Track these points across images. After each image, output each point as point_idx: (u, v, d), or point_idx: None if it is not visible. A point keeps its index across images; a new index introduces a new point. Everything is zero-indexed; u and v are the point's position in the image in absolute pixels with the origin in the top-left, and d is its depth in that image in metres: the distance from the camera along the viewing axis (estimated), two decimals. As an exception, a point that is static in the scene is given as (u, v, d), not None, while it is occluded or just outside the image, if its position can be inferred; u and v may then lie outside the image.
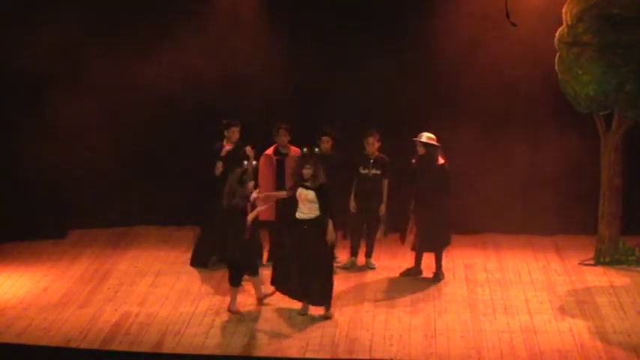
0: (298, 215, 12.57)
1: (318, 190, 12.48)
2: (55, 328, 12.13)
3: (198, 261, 14.28)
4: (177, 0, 15.51)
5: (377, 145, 14.12)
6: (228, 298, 13.02)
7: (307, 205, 12.50)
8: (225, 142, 14.16)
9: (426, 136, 13.68)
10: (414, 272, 13.83)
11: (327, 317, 12.43)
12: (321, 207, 12.46)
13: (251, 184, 12.77)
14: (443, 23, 15.16)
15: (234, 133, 14.11)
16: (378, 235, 14.28)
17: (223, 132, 14.15)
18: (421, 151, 13.69)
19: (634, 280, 13.83)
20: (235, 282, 12.67)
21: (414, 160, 13.81)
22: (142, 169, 15.89)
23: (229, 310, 12.57)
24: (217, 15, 15.48)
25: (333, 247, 12.88)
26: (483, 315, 12.55)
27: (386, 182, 14.15)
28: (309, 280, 12.42)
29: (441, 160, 13.55)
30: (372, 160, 14.13)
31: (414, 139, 13.76)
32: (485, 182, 15.26)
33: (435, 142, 13.63)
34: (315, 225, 12.46)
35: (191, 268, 14.23)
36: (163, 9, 15.47)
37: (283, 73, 15.49)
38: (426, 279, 13.73)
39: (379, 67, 15.36)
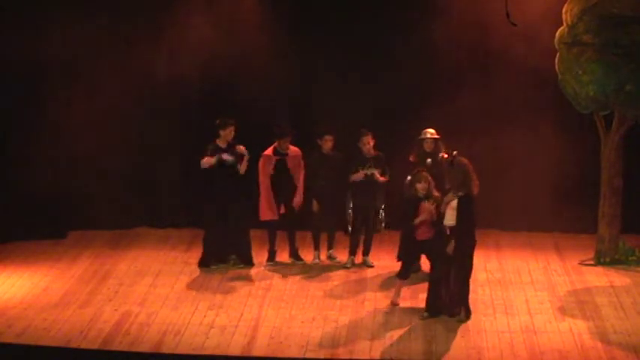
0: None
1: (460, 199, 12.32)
2: (55, 328, 12.13)
3: (206, 262, 14.27)
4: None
5: (372, 143, 14.14)
6: (228, 298, 13.04)
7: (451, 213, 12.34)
8: (218, 141, 14.14)
9: (430, 132, 13.81)
10: (414, 269, 13.81)
11: (461, 321, 12.32)
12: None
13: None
14: (443, 22, 15.16)
15: (230, 132, 14.09)
16: (379, 228, 14.29)
17: (218, 131, 14.13)
18: (429, 147, 13.77)
19: (634, 280, 13.82)
20: (405, 275, 12.81)
21: (411, 158, 13.87)
22: (143, 169, 15.90)
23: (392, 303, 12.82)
24: (219, 10, 15.50)
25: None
26: (483, 315, 12.54)
27: (385, 178, 14.17)
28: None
29: (445, 155, 13.58)
30: (370, 160, 14.15)
31: (421, 137, 13.84)
32: (485, 182, 15.23)
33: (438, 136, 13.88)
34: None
35: (191, 268, 14.22)
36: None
37: (283, 71, 15.51)
38: (425, 278, 13.69)
39: (379, 65, 15.41)
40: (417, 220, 12.60)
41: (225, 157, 13.94)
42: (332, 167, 14.25)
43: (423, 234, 12.65)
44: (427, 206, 12.58)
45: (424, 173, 12.74)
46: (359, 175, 14.07)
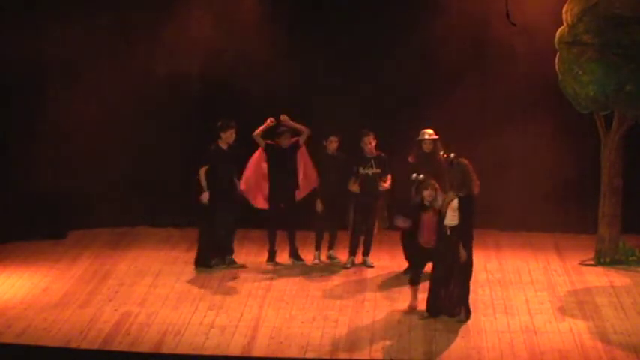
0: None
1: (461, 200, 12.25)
2: (55, 328, 12.12)
3: (201, 262, 14.26)
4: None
5: (373, 143, 14.15)
6: (228, 298, 13.05)
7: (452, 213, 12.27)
8: (220, 143, 14.13)
9: (428, 134, 13.81)
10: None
11: (461, 321, 12.29)
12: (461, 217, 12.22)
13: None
14: (444, 22, 15.18)
15: (231, 135, 14.09)
16: (377, 227, 14.29)
17: (219, 133, 14.12)
18: (428, 148, 13.78)
19: (634, 280, 13.83)
20: (415, 281, 12.67)
21: (410, 159, 13.88)
22: (143, 168, 15.90)
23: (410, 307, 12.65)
24: (219, 10, 15.50)
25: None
26: (483, 315, 12.54)
27: (389, 178, 14.17)
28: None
29: (444, 156, 13.56)
30: (372, 160, 14.16)
31: (419, 138, 13.85)
32: (485, 182, 15.24)
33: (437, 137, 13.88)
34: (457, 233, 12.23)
35: (191, 268, 14.22)
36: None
37: (283, 71, 15.51)
38: (426, 278, 13.69)
39: (379, 65, 15.42)
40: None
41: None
42: (337, 168, 14.26)
43: (428, 242, 12.61)
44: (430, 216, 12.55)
45: (432, 181, 12.69)
46: (354, 188, 14.10)
